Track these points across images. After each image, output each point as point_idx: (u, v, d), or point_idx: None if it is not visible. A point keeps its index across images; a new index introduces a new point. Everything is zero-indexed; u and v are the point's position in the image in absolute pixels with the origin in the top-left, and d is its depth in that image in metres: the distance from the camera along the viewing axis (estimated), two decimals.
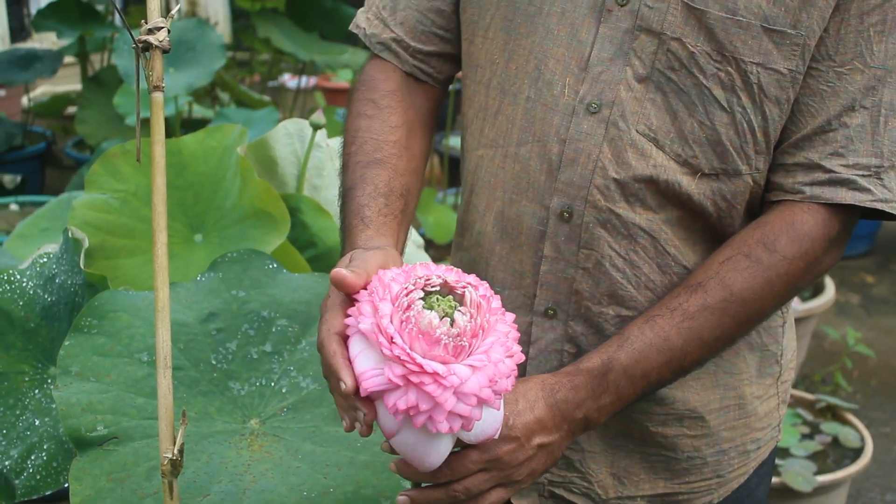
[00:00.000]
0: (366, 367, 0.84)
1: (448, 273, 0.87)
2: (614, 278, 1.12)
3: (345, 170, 1.18)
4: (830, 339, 3.87)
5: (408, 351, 0.81)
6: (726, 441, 1.21)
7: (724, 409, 1.19)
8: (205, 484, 1.08)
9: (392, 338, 0.82)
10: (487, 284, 0.87)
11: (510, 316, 0.87)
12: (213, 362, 1.21)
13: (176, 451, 0.96)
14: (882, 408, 3.49)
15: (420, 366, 0.81)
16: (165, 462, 0.96)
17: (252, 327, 1.24)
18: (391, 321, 0.83)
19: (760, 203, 1.12)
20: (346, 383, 0.85)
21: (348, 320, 0.86)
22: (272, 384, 1.20)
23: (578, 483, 1.21)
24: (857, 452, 2.75)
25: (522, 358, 0.86)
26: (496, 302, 0.87)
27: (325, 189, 1.77)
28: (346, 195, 1.15)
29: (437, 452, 0.87)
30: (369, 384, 0.83)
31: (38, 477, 1.33)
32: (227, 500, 1.06)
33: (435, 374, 0.81)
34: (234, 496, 1.06)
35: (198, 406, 1.17)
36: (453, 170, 4.54)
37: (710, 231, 1.12)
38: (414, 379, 0.81)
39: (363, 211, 1.09)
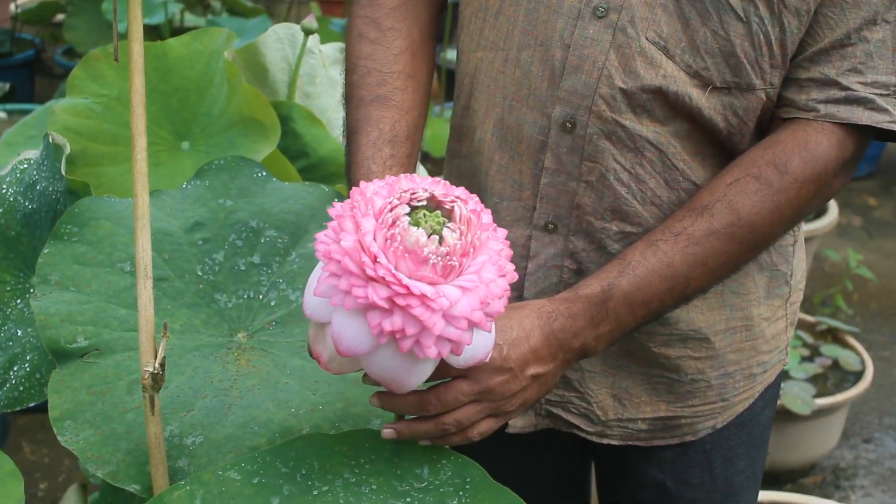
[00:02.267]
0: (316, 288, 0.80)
1: (435, 186, 0.81)
2: (618, 193, 1.07)
3: (348, 102, 1.14)
4: (831, 262, 3.84)
5: (393, 271, 0.76)
6: (732, 364, 1.17)
7: (730, 331, 1.15)
8: (189, 398, 1.04)
9: (376, 257, 0.76)
10: (477, 198, 0.81)
11: (502, 232, 0.82)
12: (199, 273, 1.16)
13: (157, 365, 0.92)
14: (881, 331, 3.47)
15: (407, 287, 0.75)
16: (146, 376, 0.92)
17: (240, 238, 1.19)
18: (375, 238, 0.77)
19: (770, 119, 1.06)
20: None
21: (320, 237, 0.80)
22: (260, 297, 1.15)
23: (577, 403, 1.17)
24: (857, 376, 2.73)
25: (515, 277, 0.80)
26: (487, 217, 0.81)
27: (318, 97, 1.71)
28: (349, 139, 1.12)
29: (420, 375, 0.82)
30: (314, 309, 0.80)
31: (21, 388, 1.29)
32: (212, 416, 1.02)
33: (423, 297, 0.75)
34: (219, 411, 1.02)
35: (182, 318, 1.12)
36: (451, 83, 4.46)
37: (719, 146, 1.06)
38: (400, 301, 0.75)
39: (368, 165, 1.06)
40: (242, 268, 1.17)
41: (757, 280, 1.14)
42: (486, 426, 0.92)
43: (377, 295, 0.75)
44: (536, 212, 1.11)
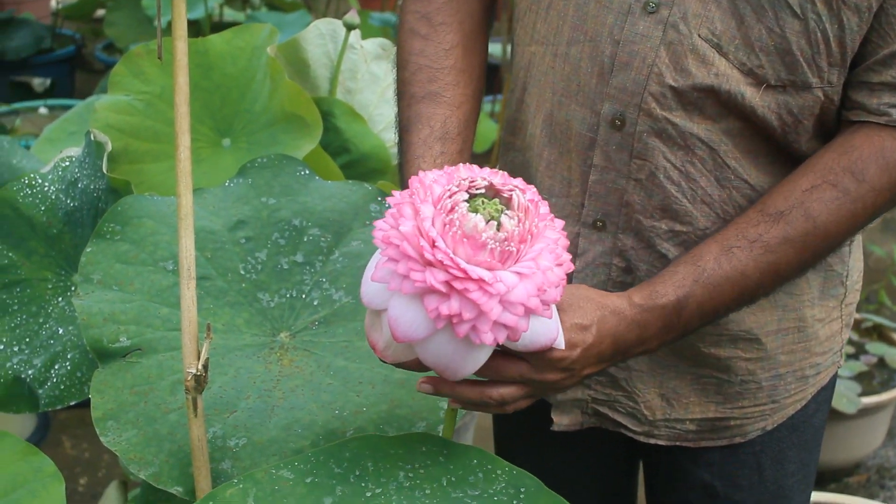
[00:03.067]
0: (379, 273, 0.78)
1: (493, 175, 0.80)
2: (668, 191, 1.04)
3: (399, 100, 1.13)
4: (875, 257, 3.77)
5: (451, 255, 0.75)
6: (783, 365, 1.14)
7: (782, 332, 1.12)
8: (232, 399, 1.03)
9: (434, 241, 0.75)
10: (535, 189, 0.80)
11: (559, 222, 0.80)
12: (242, 272, 1.15)
13: (200, 366, 0.91)
14: None
15: (464, 271, 0.74)
16: (189, 377, 0.90)
17: (282, 236, 1.18)
18: (433, 224, 0.76)
19: (836, 121, 1.02)
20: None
21: (378, 224, 0.79)
22: (303, 296, 1.14)
23: (624, 402, 1.15)
24: None
25: (572, 267, 0.79)
26: (544, 207, 0.80)
27: (359, 92, 1.70)
28: (401, 137, 1.11)
29: (475, 362, 0.81)
30: (371, 296, 0.79)
31: (62, 387, 1.29)
32: (255, 417, 1.01)
33: (480, 281, 0.75)
34: (263, 413, 1.01)
35: (225, 318, 1.11)
36: (490, 77, 4.42)
37: (773, 145, 1.03)
38: (458, 285, 0.74)
39: (418, 163, 1.05)
40: (285, 267, 1.16)
41: (811, 280, 1.11)
42: (522, 404, 0.91)
43: (435, 279, 0.75)
44: (585, 209, 1.08)
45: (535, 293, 0.76)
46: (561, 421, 1.17)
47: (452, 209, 0.76)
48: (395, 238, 0.76)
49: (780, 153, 1.03)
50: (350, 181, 1.26)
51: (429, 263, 0.75)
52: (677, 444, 1.17)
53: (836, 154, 0.98)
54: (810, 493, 1.26)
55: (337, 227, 1.20)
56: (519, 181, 0.80)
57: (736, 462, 1.18)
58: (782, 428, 1.17)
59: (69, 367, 1.29)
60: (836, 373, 1.22)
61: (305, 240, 1.18)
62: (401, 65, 1.13)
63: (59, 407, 1.28)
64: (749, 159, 1.03)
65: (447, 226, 0.75)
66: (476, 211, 0.76)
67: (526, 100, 1.13)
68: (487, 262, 0.75)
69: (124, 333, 1.06)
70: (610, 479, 1.33)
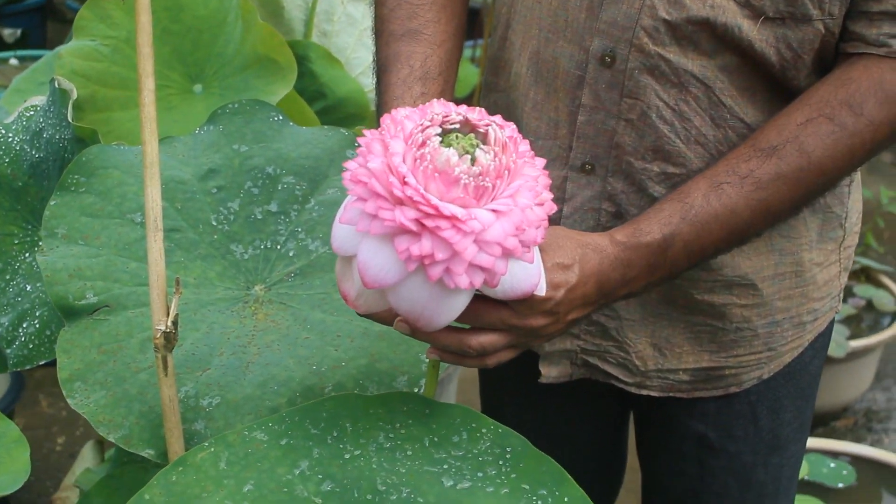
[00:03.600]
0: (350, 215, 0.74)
1: (470, 112, 0.75)
2: (661, 131, 0.99)
3: (377, 38, 1.07)
4: (862, 199, 3.73)
5: (422, 191, 0.70)
6: (780, 311, 1.10)
7: (778, 277, 1.08)
8: (204, 356, 0.98)
9: (404, 177, 0.70)
10: (515, 126, 0.75)
11: (540, 161, 0.75)
12: (214, 223, 1.10)
13: (170, 323, 0.86)
14: None
15: (436, 208, 0.70)
16: (158, 335, 0.86)
17: (256, 185, 1.13)
18: (403, 160, 0.71)
19: (834, 54, 0.97)
20: None
21: (348, 164, 0.74)
22: (278, 247, 1.09)
23: (614, 352, 1.11)
24: (892, 316, 2.65)
25: (554, 208, 0.74)
26: (524, 145, 0.76)
27: (336, 35, 1.64)
28: (379, 77, 1.05)
29: (451, 310, 0.76)
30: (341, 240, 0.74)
31: (31, 346, 1.24)
32: (229, 374, 0.96)
33: (453, 218, 0.70)
34: (237, 370, 0.97)
35: (196, 271, 1.06)
36: (471, 21, 4.34)
37: (771, 81, 0.98)
38: (429, 223, 0.70)
39: (397, 105, 0.98)
40: (259, 217, 1.11)
41: (809, 223, 1.07)
42: (504, 356, 0.86)
43: (405, 216, 0.70)
44: (573, 151, 1.04)
45: (514, 232, 0.71)
46: (549, 373, 1.13)
47: (424, 144, 0.71)
48: (363, 175, 0.72)
49: (778, 90, 0.98)
50: (326, 127, 1.21)
51: (399, 201, 0.70)
52: (670, 394, 1.13)
53: (832, 87, 0.93)
54: (806, 440, 1.23)
55: (312, 175, 1.15)
56: (497, 118, 0.75)
57: (731, 412, 1.14)
58: (778, 376, 1.14)
59: (38, 326, 1.25)
60: (834, 318, 1.19)
61: (280, 188, 1.13)
62: (378, 1, 1.08)
63: (28, 367, 1.23)
64: (746, 97, 0.98)
65: (418, 161, 0.71)
66: (449, 146, 0.72)
67: (510, 37, 1.07)
68: (461, 198, 0.70)
69: (91, 290, 1.01)
70: (600, 432, 1.30)
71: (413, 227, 0.69)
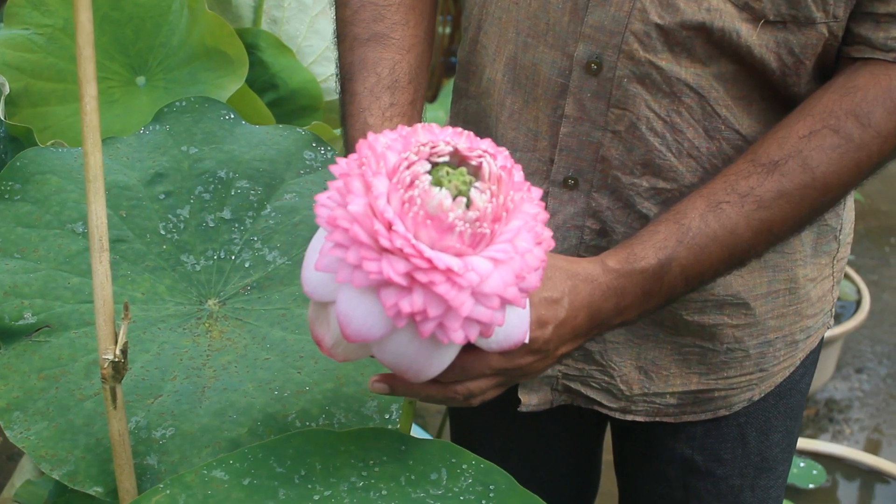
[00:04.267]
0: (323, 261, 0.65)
1: (457, 138, 0.67)
2: (651, 144, 0.93)
3: (340, 42, 0.99)
4: None
5: (412, 241, 0.62)
6: (773, 331, 1.04)
7: (772, 295, 1.02)
8: (156, 382, 0.91)
9: (391, 224, 0.62)
10: (507, 152, 0.68)
11: (536, 192, 0.68)
12: (162, 232, 1.02)
13: (118, 352, 0.79)
14: (870, 254, 3.37)
15: (429, 260, 0.62)
16: (106, 365, 0.78)
17: (207, 190, 1.05)
18: (389, 202, 0.63)
19: (836, 59, 0.91)
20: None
21: (321, 199, 0.66)
22: (232, 258, 1.02)
23: (598, 377, 1.05)
24: (855, 305, 2.63)
25: (552, 245, 0.67)
26: (518, 174, 0.68)
27: (286, 22, 1.55)
28: (343, 86, 0.97)
29: (441, 362, 0.69)
30: (314, 286, 0.67)
31: None
32: (184, 402, 0.89)
33: (448, 271, 0.62)
34: (192, 396, 0.90)
35: (144, 285, 0.99)
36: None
37: (769, 90, 0.91)
38: (421, 277, 0.62)
39: (365, 117, 0.92)
40: (211, 224, 1.04)
41: (804, 237, 1.01)
42: (491, 395, 0.80)
43: (393, 270, 0.62)
44: (555, 165, 0.96)
45: (513, 281, 0.64)
46: (529, 401, 1.07)
47: (412, 183, 0.63)
48: (344, 220, 0.63)
49: (776, 99, 0.92)
50: (281, 126, 1.13)
51: (385, 250, 0.62)
52: (656, 419, 1.08)
53: (837, 95, 0.86)
54: (792, 458, 1.18)
55: (268, 179, 1.07)
56: (487, 143, 0.67)
57: (719, 435, 1.09)
58: (769, 397, 1.08)
59: None
60: (824, 334, 1.13)
61: (233, 193, 1.06)
62: (340, 2, 1.00)
63: None
64: (742, 107, 0.92)
65: (406, 204, 0.62)
66: (440, 184, 0.63)
67: (482, 40, 0.99)
68: (456, 247, 0.63)
69: (29, 308, 0.93)
70: (576, 452, 1.24)
71: (403, 281, 0.62)
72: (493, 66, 0.97)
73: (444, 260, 0.62)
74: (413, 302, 0.62)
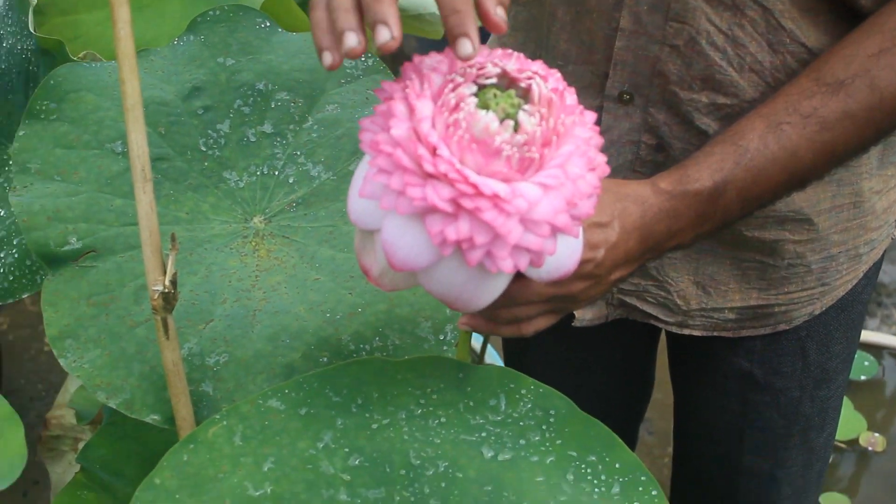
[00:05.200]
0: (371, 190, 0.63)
1: (507, 59, 0.63)
2: (711, 59, 0.88)
3: None
4: None
5: (457, 166, 0.59)
6: (836, 245, 1.01)
7: (836, 209, 0.98)
8: (206, 306, 0.90)
9: (436, 148, 0.59)
10: (559, 74, 0.64)
11: (590, 115, 0.64)
12: (203, 148, 1.00)
13: (168, 282, 0.77)
14: None
15: (475, 185, 0.59)
16: (156, 296, 0.77)
17: (246, 103, 1.02)
18: (433, 126, 0.60)
19: None
20: (331, 58, 0.63)
21: (364, 124, 0.63)
22: (276, 173, 1.00)
23: (654, 292, 1.02)
24: None
25: (608, 171, 0.64)
26: (571, 97, 0.64)
27: None
28: None
29: (491, 292, 0.67)
30: (359, 213, 0.64)
31: (12, 278, 1.15)
32: (235, 327, 0.88)
33: (495, 197, 0.59)
34: (243, 321, 0.89)
35: (188, 204, 0.97)
36: None
37: (836, 1, 0.86)
38: (467, 203, 0.59)
39: None
40: (252, 139, 1.01)
41: (870, 150, 0.97)
42: (543, 323, 0.78)
43: (438, 195, 0.59)
44: (609, 79, 0.92)
45: (564, 208, 0.61)
46: (584, 315, 1.04)
47: (457, 106, 0.60)
48: (387, 144, 0.60)
49: (844, 11, 0.86)
50: None
51: (430, 176, 0.60)
52: (714, 333, 1.05)
53: None
54: (850, 368, 1.16)
55: (308, 90, 1.04)
56: (539, 65, 0.64)
57: (779, 349, 1.07)
58: (830, 310, 1.06)
59: (17, 255, 1.16)
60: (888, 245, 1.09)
61: (273, 106, 1.03)
62: None
63: (10, 300, 1.15)
64: (808, 18, 0.86)
65: (451, 128, 0.59)
66: (487, 107, 0.60)
67: None
68: (503, 172, 0.59)
69: (73, 233, 0.92)
70: (630, 362, 1.23)
71: (448, 207, 0.59)
72: None
73: (490, 185, 0.59)
74: (459, 229, 0.60)
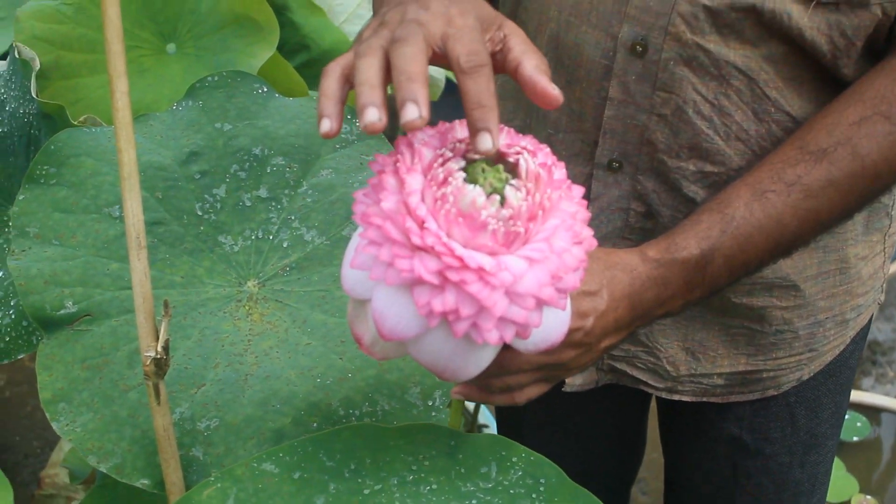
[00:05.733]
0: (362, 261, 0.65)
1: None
2: (698, 128, 0.90)
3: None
4: None
5: (444, 239, 0.61)
6: (823, 311, 1.02)
7: (822, 276, 1.00)
8: (198, 370, 0.90)
9: (423, 221, 0.61)
10: (548, 149, 0.66)
11: (577, 190, 0.66)
12: (199, 213, 1.01)
13: (160, 348, 0.78)
14: None
15: (461, 258, 0.61)
16: (148, 363, 0.78)
17: (242, 168, 1.04)
18: (422, 199, 0.62)
19: (887, 37, 0.86)
20: (331, 127, 0.64)
21: (358, 196, 0.65)
22: (270, 237, 1.01)
23: (644, 358, 1.03)
24: None
25: (594, 245, 0.65)
26: (559, 172, 0.66)
27: None
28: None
29: (478, 363, 0.68)
30: (352, 283, 0.66)
31: (8, 339, 1.16)
32: (227, 391, 0.89)
33: (480, 270, 0.61)
34: (235, 385, 0.89)
35: (184, 268, 0.98)
36: None
37: (820, 71, 0.88)
38: (453, 276, 0.61)
39: None
40: (248, 203, 1.03)
41: (855, 216, 0.99)
42: (535, 391, 0.79)
43: (425, 268, 0.61)
44: (599, 148, 0.94)
45: (549, 281, 0.62)
46: (575, 381, 1.05)
47: (446, 180, 0.62)
48: (377, 216, 0.62)
49: (827, 79, 0.88)
50: (314, 96, 1.11)
51: (418, 248, 0.61)
52: (704, 399, 1.06)
53: (889, 80, 0.83)
54: (840, 432, 1.16)
55: (303, 155, 1.06)
56: (528, 140, 0.66)
57: (768, 415, 1.08)
58: (819, 375, 1.07)
59: (14, 316, 1.16)
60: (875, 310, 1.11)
61: (269, 171, 1.04)
62: None
63: (6, 361, 1.15)
64: (792, 88, 0.88)
65: (439, 201, 0.61)
66: (475, 182, 0.62)
67: (521, 16, 0.96)
68: (489, 246, 0.61)
69: (70, 297, 0.93)
70: (621, 428, 1.23)
71: (434, 279, 0.61)
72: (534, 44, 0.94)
73: (476, 259, 0.60)
74: (445, 301, 0.61)
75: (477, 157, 0.63)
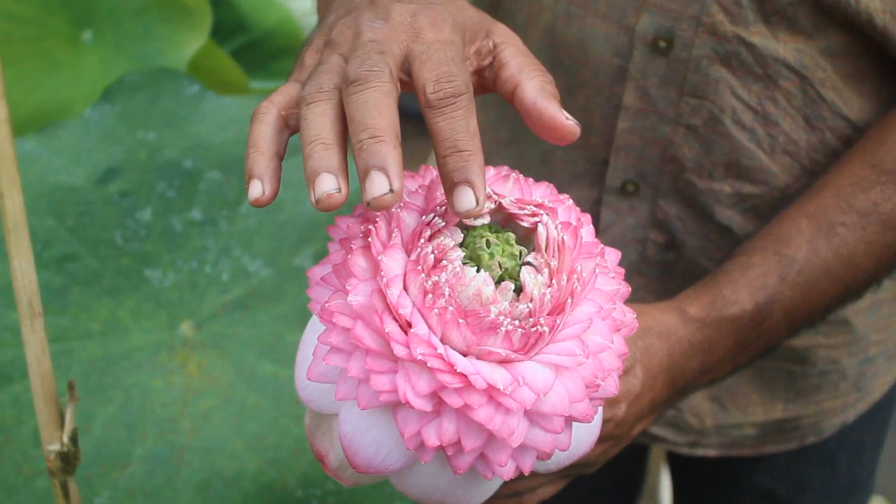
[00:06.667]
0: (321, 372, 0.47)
1: (501, 186, 0.48)
2: (737, 141, 0.73)
3: None
4: None
5: (439, 350, 0.43)
6: (874, 346, 0.86)
7: (875, 306, 0.84)
8: (123, 445, 0.74)
9: (409, 322, 0.44)
10: (570, 200, 0.49)
11: (612, 254, 0.49)
12: (120, 242, 0.85)
13: (66, 439, 0.62)
14: None
15: (463, 376, 0.43)
16: (52, 457, 0.62)
17: (171, 186, 0.88)
18: (406, 289, 0.45)
19: None
20: (264, 191, 0.46)
21: (314, 277, 0.47)
22: (207, 268, 0.85)
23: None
24: None
25: (636, 327, 0.48)
26: (587, 231, 0.49)
27: None
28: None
29: (484, 494, 0.51)
30: (310, 394, 0.48)
31: None
32: (158, 472, 0.73)
33: (491, 389, 0.43)
34: (168, 462, 0.73)
35: (102, 312, 0.82)
36: None
37: (884, 66, 0.71)
38: (453, 399, 0.43)
39: None
40: (178, 228, 0.86)
41: None
42: (549, 491, 0.63)
43: (413, 388, 0.43)
44: (610, 168, 0.77)
45: (583, 394, 0.45)
46: None
47: (438, 262, 0.44)
48: (343, 315, 0.45)
49: (889, 74, 0.72)
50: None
51: (400, 360, 0.44)
52: (731, 452, 0.91)
53: None
54: (877, 467, 1.01)
55: (244, 167, 0.89)
56: (543, 189, 0.48)
57: (805, 464, 0.92)
58: (864, 416, 0.92)
59: None
60: None
61: (202, 188, 0.88)
62: None
63: None
64: (852, 86, 0.71)
65: (430, 295, 0.44)
66: (479, 262, 0.45)
67: (506, 5, 0.78)
68: (501, 353, 0.44)
69: None
70: (622, 482, 1.07)
71: (426, 406, 0.43)
72: (523, 41, 0.77)
73: (484, 375, 0.43)
74: (442, 431, 0.44)
75: (478, 221, 0.46)
